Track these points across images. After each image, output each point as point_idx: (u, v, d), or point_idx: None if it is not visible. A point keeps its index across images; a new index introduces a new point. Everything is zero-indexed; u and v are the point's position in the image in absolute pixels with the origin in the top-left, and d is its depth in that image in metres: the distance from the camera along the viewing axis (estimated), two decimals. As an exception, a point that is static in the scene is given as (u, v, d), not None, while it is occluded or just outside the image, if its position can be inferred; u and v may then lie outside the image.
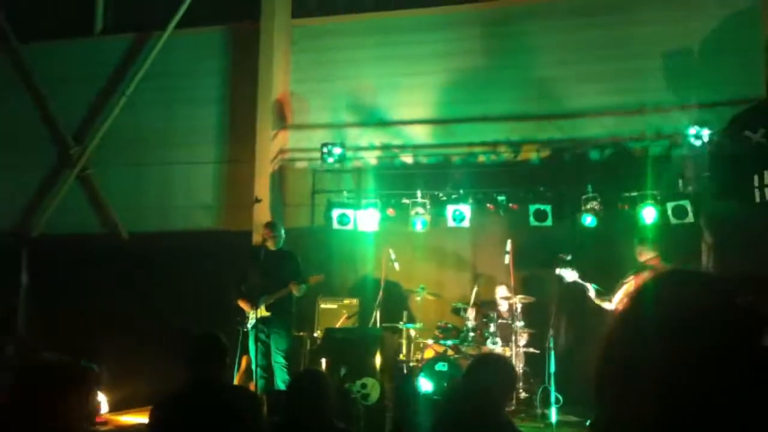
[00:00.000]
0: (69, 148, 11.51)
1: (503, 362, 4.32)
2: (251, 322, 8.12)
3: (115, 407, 8.64)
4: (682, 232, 8.62)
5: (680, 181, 8.87)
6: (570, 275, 8.04)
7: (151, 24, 11.52)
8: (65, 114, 11.67)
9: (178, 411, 4.17)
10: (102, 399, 8.23)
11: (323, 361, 8.52)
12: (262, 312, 8.07)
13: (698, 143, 8.61)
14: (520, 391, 8.31)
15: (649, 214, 8.67)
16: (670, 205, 8.61)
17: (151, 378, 8.10)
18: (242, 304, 8.21)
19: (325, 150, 9.83)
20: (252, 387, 8.33)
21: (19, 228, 11.51)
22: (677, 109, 9.16)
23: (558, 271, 8.09)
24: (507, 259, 8.76)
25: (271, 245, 8.31)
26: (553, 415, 7.74)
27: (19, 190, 11.65)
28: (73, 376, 2.75)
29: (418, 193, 9.51)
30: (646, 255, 8.02)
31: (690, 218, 8.54)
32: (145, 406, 8.14)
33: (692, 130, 8.63)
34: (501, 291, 9.11)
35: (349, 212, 9.64)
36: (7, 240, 11.26)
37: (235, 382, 8.42)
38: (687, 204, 8.54)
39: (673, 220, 8.60)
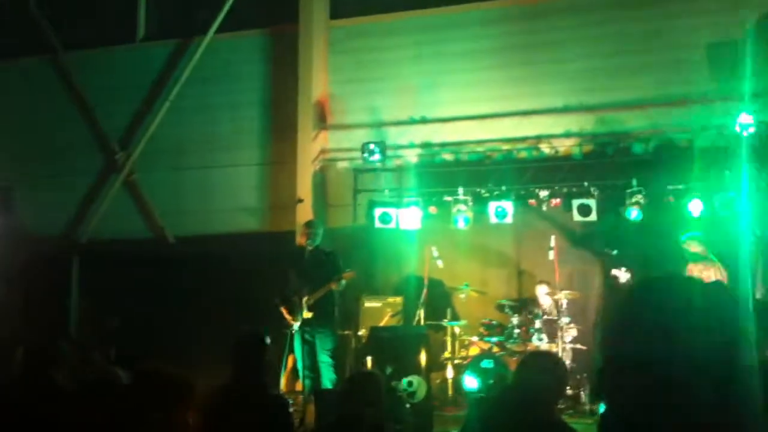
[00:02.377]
0: (114, 154, 11.73)
1: (555, 359, 4.28)
2: (296, 324, 8.18)
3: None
4: (730, 225, 8.47)
5: (727, 173, 8.71)
6: (624, 276, 7.92)
7: (192, 30, 11.68)
8: (110, 120, 11.89)
9: (213, 411, 4.23)
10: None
11: (368, 359, 8.56)
12: (306, 314, 8.12)
13: (745, 134, 8.45)
14: (568, 387, 8.25)
15: (696, 207, 8.55)
16: (717, 197, 8.48)
17: (199, 379, 8.21)
18: (285, 314, 8.26)
19: (366, 149, 9.87)
20: (298, 386, 8.41)
21: (68, 234, 11.75)
22: (722, 99, 8.99)
23: (613, 272, 7.98)
24: (551, 254, 8.72)
25: (308, 242, 8.37)
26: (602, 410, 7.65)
27: (67, 196, 11.88)
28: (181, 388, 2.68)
29: (460, 190, 9.50)
30: (696, 248, 7.90)
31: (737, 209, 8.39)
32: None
33: (739, 121, 8.48)
34: (542, 288, 9.06)
35: (391, 211, 9.66)
36: (58, 245, 11.50)
37: (282, 382, 8.51)
38: (734, 195, 8.40)
39: (720, 212, 8.47)
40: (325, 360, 8.21)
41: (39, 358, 5.21)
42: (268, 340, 4.49)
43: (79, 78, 12.04)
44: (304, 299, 8.15)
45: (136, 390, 2.70)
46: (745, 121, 8.40)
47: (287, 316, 8.20)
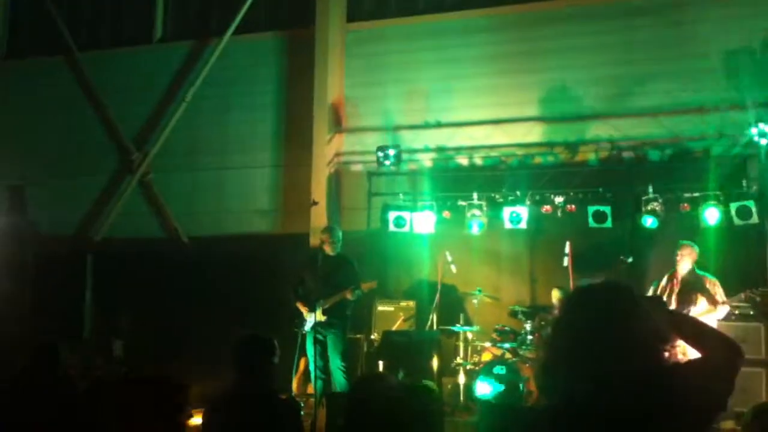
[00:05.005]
0: (130, 154, 11.78)
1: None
2: (309, 324, 8.18)
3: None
4: (746, 234, 8.43)
5: (744, 181, 8.65)
6: None
7: (208, 31, 11.73)
8: (126, 120, 11.95)
9: (220, 414, 4.21)
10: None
11: (380, 363, 8.55)
12: (319, 316, 8.12)
13: (762, 142, 8.40)
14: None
15: (712, 215, 8.49)
16: (733, 206, 8.42)
17: (212, 380, 8.21)
18: (300, 307, 8.27)
19: (380, 153, 9.88)
20: (310, 389, 8.40)
21: (83, 232, 11.81)
22: (739, 108, 8.94)
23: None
24: (566, 261, 8.67)
25: (329, 250, 8.33)
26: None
27: (82, 195, 11.96)
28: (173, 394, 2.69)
29: (474, 195, 9.48)
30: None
31: (754, 219, 8.34)
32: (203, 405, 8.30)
33: (755, 129, 8.43)
34: (559, 293, 9.01)
35: (405, 215, 9.66)
36: (73, 244, 11.56)
37: (294, 383, 8.51)
38: (751, 204, 8.34)
39: (736, 221, 8.41)
40: (336, 363, 8.20)
41: (45, 356, 5.24)
42: (275, 342, 4.41)
43: (95, 78, 12.10)
44: (319, 302, 8.14)
45: (129, 392, 2.69)
46: (760, 130, 8.35)
47: (303, 309, 8.19)
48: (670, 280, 7.74)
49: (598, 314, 1.85)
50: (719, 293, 7.50)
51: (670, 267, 7.85)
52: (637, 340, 1.82)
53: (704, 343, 2.01)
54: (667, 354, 1.87)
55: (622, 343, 1.80)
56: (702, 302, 7.49)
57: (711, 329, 2.18)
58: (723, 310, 7.51)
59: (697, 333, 2.07)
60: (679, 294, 7.59)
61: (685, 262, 7.68)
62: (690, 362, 2.01)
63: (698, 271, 7.67)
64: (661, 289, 7.72)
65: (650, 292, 7.66)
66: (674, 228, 8.73)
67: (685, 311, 7.19)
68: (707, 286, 7.53)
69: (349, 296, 8.13)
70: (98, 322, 11.10)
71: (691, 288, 7.57)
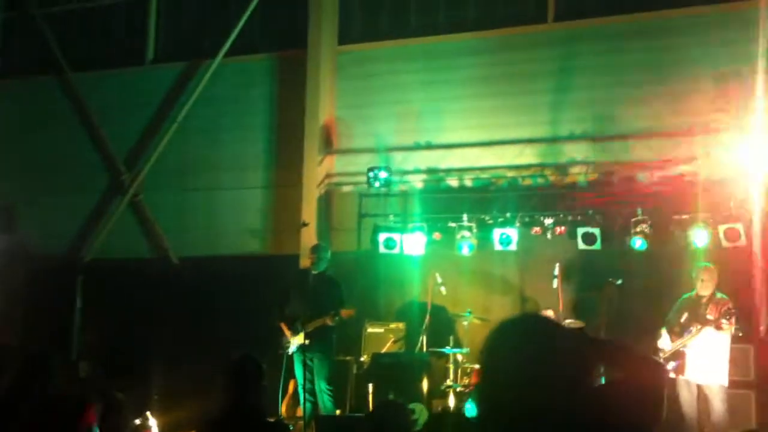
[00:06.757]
0: (121, 175, 11.77)
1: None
2: (293, 347, 8.14)
3: (166, 431, 8.73)
4: (734, 256, 8.45)
5: (731, 204, 8.69)
6: (667, 344, 7.73)
7: (200, 53, 11.77)
8: (117, 141, 11.95)
9: None
10: (153, 423, 8.32)
11: (370, 385, 8.52)
12: (301, 339, 8.07)
13: (748, 164, 8.45)
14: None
15: (700, 237, 8.52)
16: (722, 228, 8.46)
17: (201, 402, 8.17)
18: (283, 328, 8.23)
19: (371, 174, 9.90)
20: (299, 412, 8.35)
21: (73, 253, 11.77)
22: (728, 130, 8.99)
23: (659, 343, 7.77)
24: (555, 283, 8.69)
25: (313, 268, 8.35)
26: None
27: (72, 215, 11.92)
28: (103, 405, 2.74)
29: (465, 216, 9.49)
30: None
31: (742, 241, 8.36)
32: (193, 429, 8.24)
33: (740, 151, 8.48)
34: (547, 314, 9.01)
35: (396, 236, 9.66)
36: (62, 265, 11.51)
37: (282, 406, 8.46)
38: (740, 227, 8.37)
39: (724, 243, 8.44)
40: (323, 387, 8.16)
41: (31, 370, 5.19)
42: (263, 366, 4.43)
43: (87, 98, 12.12)
44: (300, 323, 8.11)
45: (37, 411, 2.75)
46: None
47: (286, 332, 8.15)
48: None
49: (513, 356, 1.87)
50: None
51: (660, 288, 7.88)
52: (561, 373, 1.83)
53: (627, 366, 2.08)
54: (590, 380, 1.91)
55: (546, 380, 1.81)
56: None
57: (635, 353, 2.21)
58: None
59: (620, 357, 2.13)
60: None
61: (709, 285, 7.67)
62: (613, 383, 2.08)
63: (719, 294, 7.67)
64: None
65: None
66: (663, 250, 8.76)
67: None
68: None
69: (329, 322, 8.09)
70: (87, 342, 11.04)
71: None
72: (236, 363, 4.33)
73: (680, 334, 7.57)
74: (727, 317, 7.37)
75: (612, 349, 2.19)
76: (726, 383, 7.44)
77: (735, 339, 7.73)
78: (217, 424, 4.27)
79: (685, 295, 7.80)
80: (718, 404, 7.36)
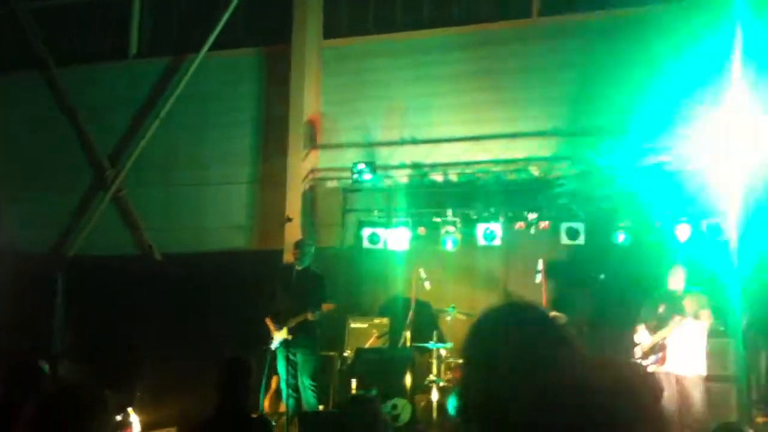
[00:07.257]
0: (104, 170, 11.71)
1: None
2: (275, 342, 8.12)
3: (149, 427, 8.70)
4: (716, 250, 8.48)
5: (712, 198, 8.71)
6: (645, 338, 7.81)
7: (185, 47, 11.70)
8: (100, 136, 11.89)
9: None
10: (135, 420, 8.29)
11: (354, 381, 8.51)
12: (284, 334, 8.05)
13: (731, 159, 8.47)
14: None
15: (683, 232, 8.55)
16: (703, 223, 8.49)
17: (185, 398, 8.16)
18: (268, 323, 8.22)
19: (355, 169, 9.88)
20: (282, 408, 8.34)
21: (55, 249, 11.70)
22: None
23: (636, 338, 7.85)
24: (539, 278, 8.71)
25: (296, 263, 8.34)
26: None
27: (55, 211, 11.85)
28: (92, 403, 2.74)
29: (449, 211, 9.49)
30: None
31: (723, 236, 8.39)
32: (178, 426, 8.22)
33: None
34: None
35: (380, 231, 9.65)
36: (44, 261, 11.44)
37: (265, 403, 8.45)
38: (721, 221, 8.41)
39: (706, 237, 8.48)
40: (306, 383, 8.15)
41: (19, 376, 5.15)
42: (252, 366, 4.52)
43: (69, 93, 12.04)
44: (283, 318, 8.09)
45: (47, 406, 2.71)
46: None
47: (271, 327, 8.13)
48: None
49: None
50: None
51: (640, 283, 7.92)
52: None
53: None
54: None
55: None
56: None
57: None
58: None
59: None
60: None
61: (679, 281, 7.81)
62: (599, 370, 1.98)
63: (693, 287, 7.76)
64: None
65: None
66: (646, 244, 8.78)
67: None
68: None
69: (310, 317, 8.08)
70: (69, 340, 10.97)
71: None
72: (231, 363, 4.40)
73: (659, 327, 7.64)
74: (704, 309, 7.49)
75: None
76: (704, 373, 7.52)
77: (716, 333, 7.78)
78: (202, 422, 4.30)
79: (662, 290, 7.86)
80: (697, 395, 7.42)
